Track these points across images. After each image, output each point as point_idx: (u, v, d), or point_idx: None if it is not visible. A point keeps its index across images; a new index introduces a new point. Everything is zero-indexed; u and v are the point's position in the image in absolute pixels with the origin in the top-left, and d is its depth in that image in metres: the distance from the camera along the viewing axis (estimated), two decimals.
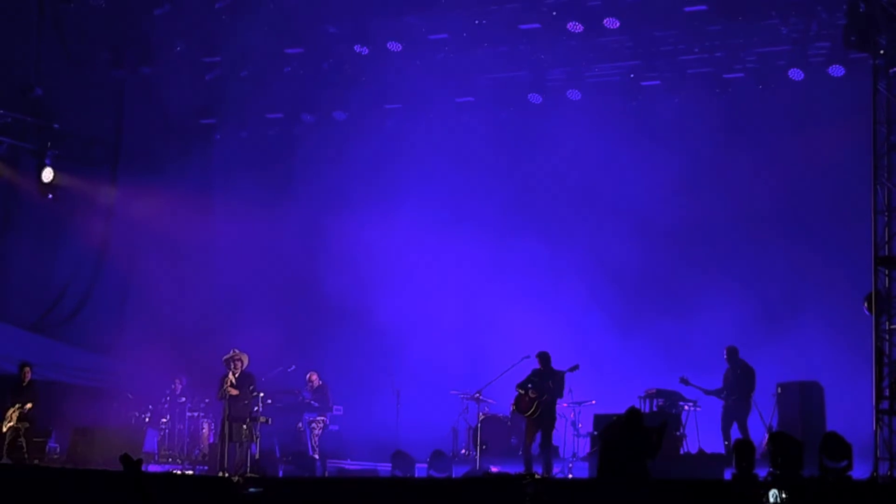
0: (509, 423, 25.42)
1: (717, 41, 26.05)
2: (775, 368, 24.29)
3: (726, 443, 23.41)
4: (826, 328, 24.85)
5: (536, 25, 26.11)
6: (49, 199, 28.34)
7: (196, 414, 27.20)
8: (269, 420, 23.75)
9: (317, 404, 26.03)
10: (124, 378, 28.22)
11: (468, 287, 28.76)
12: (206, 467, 24.51)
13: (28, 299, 29.56)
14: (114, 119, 30.43)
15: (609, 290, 27.42)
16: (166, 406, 27.36)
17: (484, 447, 24.23)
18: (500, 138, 28.90)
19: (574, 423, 24.56)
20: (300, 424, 25.85)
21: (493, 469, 22.47)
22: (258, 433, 23.19)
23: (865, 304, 19.98)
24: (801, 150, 26.21)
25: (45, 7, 27.63)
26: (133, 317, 29.87)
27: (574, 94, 27.55)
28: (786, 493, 14.33)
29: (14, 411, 24.30)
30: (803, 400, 23.40)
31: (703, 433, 23.88)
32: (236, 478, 18.62)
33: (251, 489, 17.53)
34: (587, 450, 24.02)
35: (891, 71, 20.16)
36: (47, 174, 27.96)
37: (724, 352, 23.99)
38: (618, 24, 25.37)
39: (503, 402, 24.13)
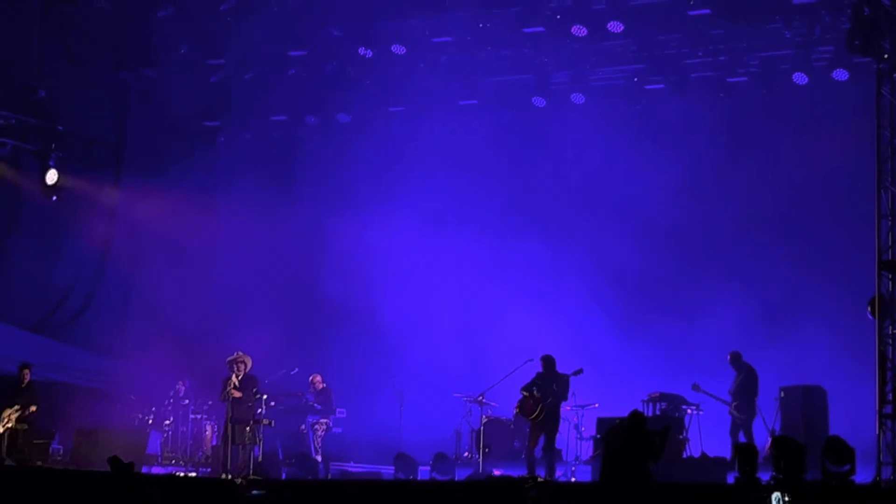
0: (512, 426, 25.42)
1: (721, 45, 26.05)
2: (778, 372, 24.27)
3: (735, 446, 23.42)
4: (829, 332, 24.85)
5: (540, 29, 26.08)
6: (52, 200, 28.34)
7: (199, 416, 27.21)
8: (273, 422, 23.75)
9: (320, 406, 26.03)
10: (127, 380, 28.25)
11: (471, 289, 28.77)
12: (209, 469, 24.53)
13: (31, 300, 29.55)
14: (117, 121, 30.43)
15: (613, 293, 27.44)
16: (169, 408, 27.38)
17: (487, 450, 24.23)
18: (504, 141, 28.92)
19: (577, 427, 24.57)
20: (303, 427, 25.85)
21: (496, 472, 22.48)
22: (261, 435, 23.19)
23: (869, 309, 19.99)
24: (805, 154, 26.21)
25: (48, 8, 27.66)
26: (136, 318, 29.86)
27: (578, 98, 27.56)
28: (788, 497, 14.32)
29: (12, 412, 24.24)
30: (806, 404, 23.37)
31: (706, 437, 23.87)
32: (239, 480, 18.62)
33: (254, 491, 17.53)
34: (590, 453, 24.03)
35: (895, 75, 20.17)
36: (51, 176, 27.96)
37: (728, 357, 23.98)
38: (622, 28, 25.36)
39: (506, 405, 24.16)
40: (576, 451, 24.58)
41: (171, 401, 27.43)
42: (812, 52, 25.32)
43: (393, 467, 22.20)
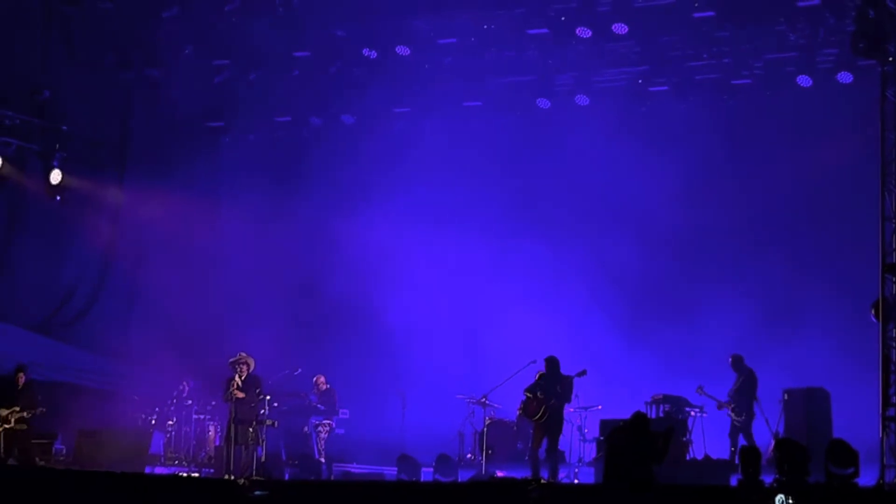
0: (515, 427, 25.43)
1: (725, 47, 26.02)
2: (781, 375, 24.25)
3: (732, 449, 23.41)
4: (833, 335, 24.82)
5: (545, 30, 26.09)
6: (56, 200, 28.34)
7: (202, 416, 27.21)
8: (276, 423, 23.75)
9: (323, 407, 26.04)
10: (131, 380, 28.25)
11: (475, 291, 28.77)
12: (212, 470, 24.53)
13: (35, 301, 29.56)
14: (121, 121, 30.44)
15: (617, 295, 27.43)
16: (172, 408, 27.36)
17: (490, 452, 24.23)
18: (508, 142, 28.91)
19: (580, 428, 24.57)
20: (306, 428, 25.86)
21: (499, 473, 22.48)
22: (264, 436, 23.20)
23: (873, 311, 19.98)
24: (809, 156, 26.18)
25: (52, 9, 27.66)
26: (140, 319, 29.86)
27: (582, 100, 27.54)
28: (792, 500, 14.32)
29: (9, 413, 24.18)
30: (809, 406, 23.36)
31: (709, 439, 23.88)
32: (242, 480, 18.63)
33: (257, 492, 17.55)
34: (593, 455, 24.03)
35: None
36: (55, 176, 27.96)
37: (730, 360, 23.99)
38: (626, 30, 25.36)
39: (509, 406, 24.17)
40: (579, 452, 24.57)
41: (175, 401, 27.41)
42: (816, 55, 25.31)
43: (396, 468, 22.21)
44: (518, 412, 23.16)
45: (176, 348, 27.40)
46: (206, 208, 30.41)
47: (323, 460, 25.14)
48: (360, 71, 28.29)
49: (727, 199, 27.36)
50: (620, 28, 25.32)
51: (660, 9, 25.26)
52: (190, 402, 27.32)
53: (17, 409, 24.27)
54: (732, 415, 23.62)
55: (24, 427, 24.29)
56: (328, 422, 25.97)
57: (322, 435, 25.87)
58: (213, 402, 26.13)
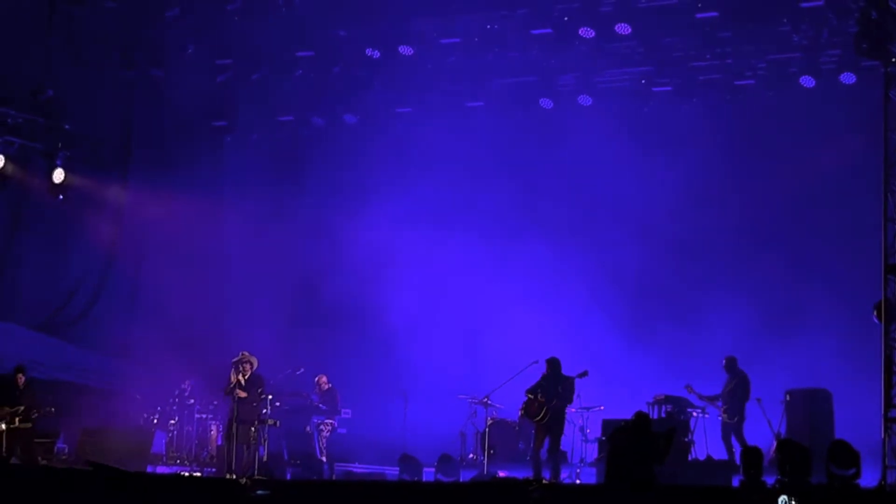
0: (517, 427, 25.42)
1: (729, 48, 26.01)
2: (783, 375, 24.28)
3: (730, 450, 23.43)
4: (835, 335, 24.82)
5: (548, 30, 26.09)
6: (59, 199, 28.34)
7: (204, 416, 27.21)
8: (278, 422, 23.77)
9: (325, 407, 26.04)
10: (133, 379, 28.25)
11: (477, 291, 28.76)
12: (214, 469, 24.54)
13: (37, 300, 29.56)
14: (124, 120, 30.43)
15: (619, 296, 27.43)
16: (175, 408, 27.37)
17: (492, 452, 24.23)
18: (511, 143, 28.92)
19: (582, 429, 24.56)
20: (308, 427, 25.86)
21: (501, 474, 22.49)
22: (266, 435, 23.22)
23: (875, 313, 19.97)
24: (811, 157, 26.18)
25: (56, 9, 27.64)
26: (142, 318, 29.85)
27: (585, 100, 27.55)
28: (795, 500, 14.32)
29: (12, 413, 24.20)
30: (811, 407, 23.39)
31: (711, 440, 23.87)
32: (244, 480, 18.64)
33: (259, 491, 17.55)
34: (595, 455, 24.02)
35: None
36: (58, 175, 27.94)
37: (723, 361, 24.03)
38: (629, 30, 25.37)
39: (511, 406, 24.15)
40: (581, 453, 24.56)
41: (177, 400, 27.42)
42: (819, 56, 25.31)
43: (397, 468, 22.23)
44: (520, 413, 23.15)
45: (178, 347, 27.41)
46: (208, 208, 30.40)
47: (325, 460, 25.15)
48: (363, 71, 28.30)
49: (729, 200, 27.36)
50: (623, 28, 25.33)
51: (663, 9, 25.25)
52: (192, 401, 27.32)
53: (21, 408, 24.32)
54: (724, 416, 23.67)
55: (29, 426, 24.34)
56: (330, 421, 25.98)
57: (324, 434, 25.88)
58: (216, 402, 26.15)
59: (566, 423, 22.81)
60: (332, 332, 29.57)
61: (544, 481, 18.25)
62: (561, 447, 22.83)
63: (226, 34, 28.02)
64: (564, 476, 22.84)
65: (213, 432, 26.85)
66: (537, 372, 22.94)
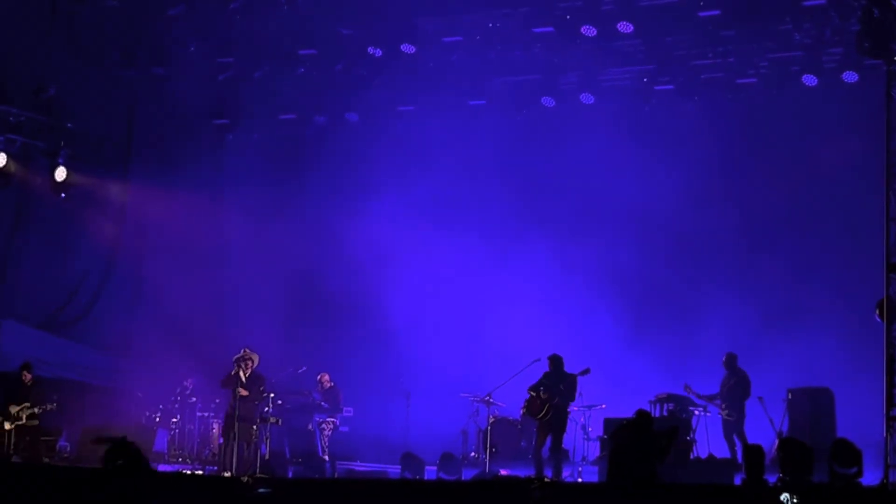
0: (519, 426, 25.43)
1: (731, 46, 25.99)
2: (786, 374, 24.29)
3: (732, 449, 23.44)
4: (837, 334, 24.83)
5: (550, 29, 26.05)
6: (61, 198, 28.36)
7: (206, 414, 27.25)
8: (280, 421, 23.79)
9: (327, 405, 26.07)
10: (135, 377, 28.28)
11: (479, 289, 28.77)
12: (215, 467, 24.55)
13: (39, 298, 29.58)
14: (126, 119, 30.45)
15: (621, 294, 27.43)
16: (176, 406, 27.41)
17: (494, 450, 24.24)
18: (513, 141, 28.89)
19: (584, 427, 24.56)
20: (310, 425, 25.88)
21: (503, 472, 22.49)
22: (268, 434, 23.24)
23: (877, 311, 19.97)
24: (813, 155, 26.17)
25: (58, 7, 27.65)
26: (144, 316, 29.89)
27: (587, 98, 27.54)
28: (797, 499, 14.31)
29: (19, 410, 24.31)
30: (813, 406, 23.40)
31: (713, 438, 23.88)
32: (246, 478, 18.63)
33: (260, 489, 17.53)
34: (597, 453, 24.02)
35: None
36: (60, 173, 27.97)
37: (724, 358, 24.05)
38: (631, 29, 25.35)
39: (513, 405, 24.15)
40: (583, 451, 24.57)
41: (179, 398, 27.46)
42: (822, 54, 25.29)
43: (399, 467, 22.21)
44: (522, 411, 23.15)
45: (180, 345, 27.45)
46: (209, 206, 30.44)
47: (327, 458, 25.17)
48: (365, 69, 28.27)
49: (732, 198, 27.36)
50: (626, 27, 25.31)
51: (665, 8, 25.22)
52: (194, 399, 27.36)
53: (28, 405, 24.39)
54: (724, 414, 23.69)
55: (36, 423, 24.44)
56: (332, 420, 26.01)
57: (326, 433, 25.90)
58: (218, 400, 26.17)
59: (568, 421, 22.82)
60: (334, 330, 29.59)
61: (546, 480, 18.22)
62: (563, 445, 22.84)
63: (227, 32, 27.99)
64: (566, 474, 22.84)
65: (215, 430, 26.90)
66: (539, 370, 22.95)
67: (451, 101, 28.53)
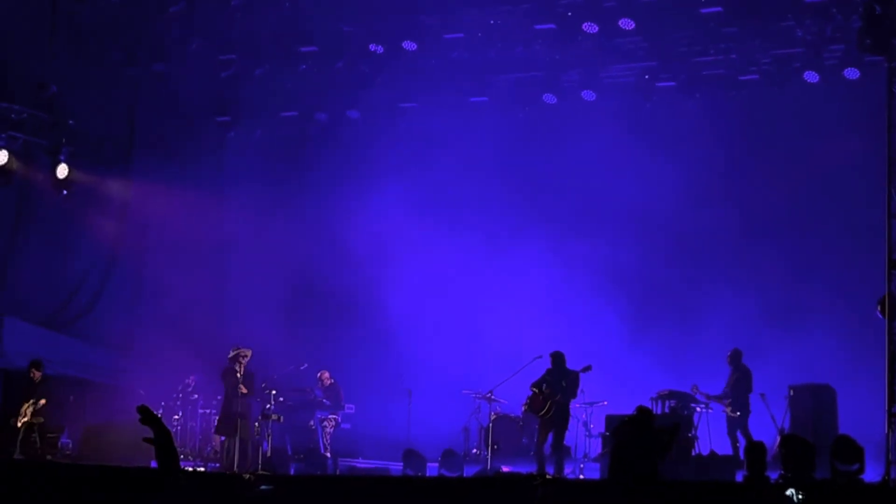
0: (521, 422, 25.44)
1: (732, 43, 25.96)
2: (787, 371, 24.29)
3: (735, 445, 23.45)
4: (839, 331, 24.83)
5: (551, 25, 26.05)
6: (63, 195, 28.37)
7: (208, 411, 27.26)
8: (281, 418, 23.80)
9: (328, 402, 26.09)
10: (136, 375, 28.30)
11: (480, 286, 28.77)
12: (217, 464, 24.58)
13: (41, 295, 29.58)
14: (128, 116, 30.46)
15: (622, 291, 27.42)
16: (178, 403, 27.42)
17: (495, 447, 24.25)
18: (515, 138, 28.88)
19: (586, 424, 24.58)
20: (312, 423, 25.90)
21: (505, 469, 22.50)
22: (270, 430, 23.28)
23: (879, 308, 19.98)
24: (815, 152, 26.16)
25: (59, 5, 27.66)
26: (146, 313, 29.92)
27: (589, 95, 27.53)
28: (802, 495, 14.32)
29: (28, 406, 24.48)
30: (815, 403, 23.39)
31: (714, 435, 23.88)
32: (247, 475, 18.64)
33: (262, 486, 17.54)
34: (599, 450, 24.03)
35: None
36: (61, 170, 27.98)
37: (728, 354, 24.07)
38: (633, 25, 25.33)
39: (515, 401, 24.17)
40: (584, 448, 24.59)
41: (180, 396, 27.47)
42: (823, 51, 25.28)
43: (401, 463, 22.24)
44: (524, 407, 23.16)
45: (181, 343, 27.46)
46: (211, 203, 30.44)
47: (328, 455, 25.18)
48: (367, 66, 28.26)
49: (733, 195, 27.35)
50: (627, 23, 25.30)
51: (666, 4, 25.21)
52: (195, 396, 27.37)
53: (33, 401, 24.52)
54: (728, 410, 23.70)
55: (42, 420, 24.52)
56: (334, 417, 26.02)
57: (327, 430, 25.92)
58: (219, 397, 26.18)
59: (570, 418, 22.83)
60: (336, 327, 29.59)
61: (548, 476, 18.25)
62: (565, 442, 22.85)
63: (229, 30, 27.97)
64: (568, 471, 22.85)
65: None
66: (541, 367, 22.97)
67: (452, 98, 28.51)
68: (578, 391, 22.82)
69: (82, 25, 28.34)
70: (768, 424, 23.27)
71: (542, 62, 27.54)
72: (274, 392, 24.02)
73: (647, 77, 27.14)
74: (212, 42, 28.38)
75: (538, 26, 26.28)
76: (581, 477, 23.10)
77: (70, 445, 25.89)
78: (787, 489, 14.28)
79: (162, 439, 9.33)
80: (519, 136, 28.92)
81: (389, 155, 29.40)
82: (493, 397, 24.77)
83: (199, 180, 30.52)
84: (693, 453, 23.05)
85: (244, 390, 23.09)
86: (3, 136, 27.31)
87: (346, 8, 26.90)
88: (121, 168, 30.29)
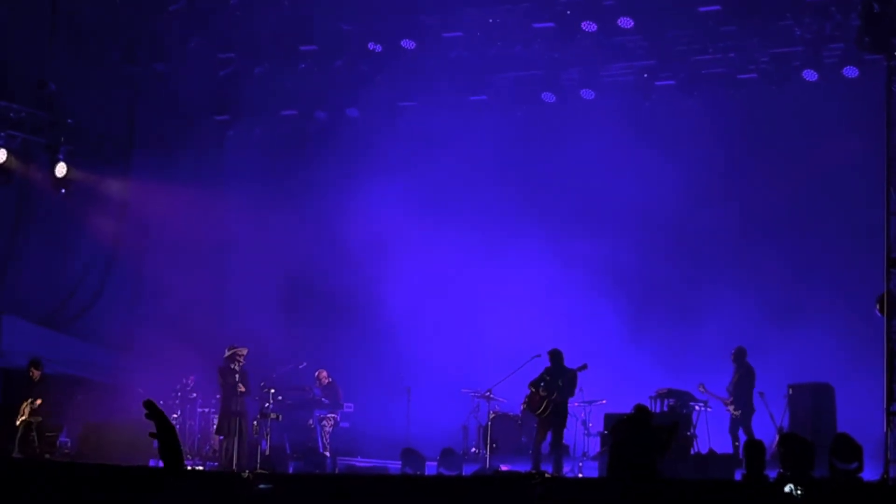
0: (520, 421, 25.43)
1: (731, 42, 25.97)
2: (786, 370, 24.29)
3: (735, 444, 23.45)
4: (838, 329, 24.82)
5: (550, 24, 26.06)
6: (62, 193, 28.36)
7: (207, 410, 27.25)
8: (280, 417, 23.80)
9: (327, 401, 26.08)
10: (135, 373, 28.27)
11: (479, 285, 28.76)
12: (216, 463, 24.59)
13: (40, 294, 29.57)
14: (127, 115, 30.45)
15: (621, 289, 27.42)
16: (177, 402, 27.40)
17: (494, 445, 24.26)
18: (514, 137, 28.88)
19: (584, 423, 24.58)
20: (311, 421, 25.89)
21: (503, 468, 22.49)
22: (269, 429, 23.27)
23: (878, 306, 19.97)
24: (814, 150, 26.18)
25: (59, 3, 27.65)
26: (145, 312, 29.91)
27: (588, 94, 27.53)
28: (801, 489, 14.31)
29: (26, 405, 24.49)
30: (814, 401, 23.40)
31: (713, 433, 23.89)
32: (246, 474, 18.62)
33: (261, 485, 17.53)
34: (597, 449, 24.04)
35: None
36: (60, 169, 27.97)
37: (732, 352, 24.07)
38: (632, 24, 25.35)
39: (514, 400, 24.18)
40: (583, 446, 24.59)
41: (179, 394, 27.45)
42: (822, 49, 25.28)
43: (400, 462, 22.23)
44: (522, 406, 23.16)
45: (180, 342, 27.44)
46: (210, 202, 30.41)
47: (327, 454, 25.19)
48: (366, 65, 28.26)
49: (732, 193, 27.36)
50: (626, 22, 25.32)
51: (665, 3, 25.24)
52: (194, 395, 27.36)
53: (31, 399, 24.54)
54: (730, 408, 23.71)
55: (40, 419, 24.53)
56: (332, 415, 26.02)
57: (326, 429, 25.92)
58: (218, 396, 26.19)
59: (569, 416, 22.82)
60: (335, 326, 29.59)
61: (547, 475, 18.23)
62: (563, 441, 22.84)
63: (228, 28, 28.00)
64: (567, 470, 22.85)
65: (215, 426, 26.91)
66: (540, 365, 22.96)
67: (451, 97, 28.51)
68: (576, 390, 22.81)
69: (82, 24, 28.34)
70: (767, 423, 23.28)
71: (541, 61, 27.55)
72: (273, 391, 24.01)
73: (646, 76, 27.15)
74: (211, 41, 28.40)
75: (537, 25, 26.29)
76: (580, 475, 23.09)
77: (69, 444, 25.89)
78: (785, 485, 14.28)
79: (165, 435, 9.31)
80: (518, 134, 28.92)
81: (389, 154, 29.38)
82: (492, 396, 24.77)
83: (198, 179, 30.52)
84: (692, 452, 23.06)
85: (242, 389, 23.08)
86: (2, 134, 27.31)
87: (346, 7, 26.93)
88: (120, 166, 30.28)
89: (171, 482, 10.00)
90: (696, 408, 23.91)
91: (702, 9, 25.08)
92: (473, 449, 25.64)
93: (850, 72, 24.93)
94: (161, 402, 26.68)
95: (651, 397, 23.84)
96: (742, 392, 23.72)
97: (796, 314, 25.81)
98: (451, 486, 17.80)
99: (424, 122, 29.17)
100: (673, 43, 26.45)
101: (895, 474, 18.56)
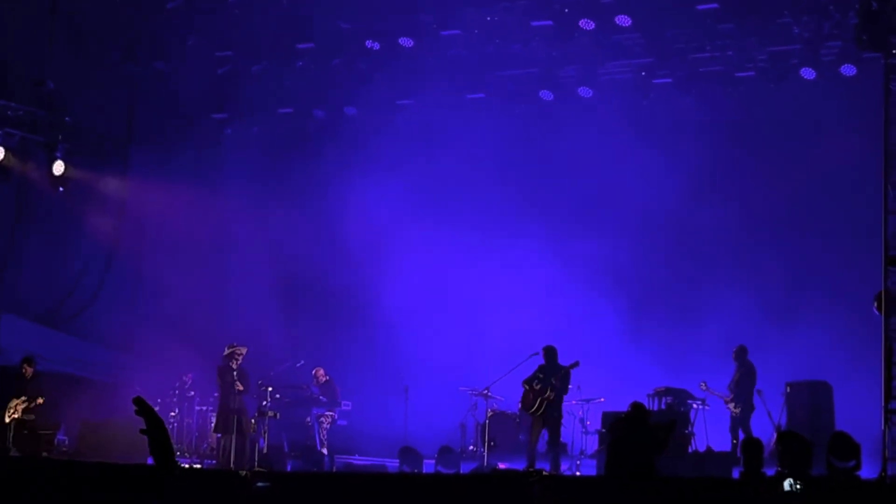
0: (518, 419, 25.45)
1: (729, 40, 25.96)
2: (784, 368, 24.28)
3: (734, 442, 23.46)
4: (836, 327, 24.80)
5: (548, 22, 26.05)
6: (60, 192, 28.36)
7: (205, 408, 27.26)
8: (278, 415, 23.80)
9: (325, 399, 26.08)
10: (133, 372, 28.29)
11: (478, 283, 28.75)
12: (214, 461, 24.60)
13: (39, 292, 29.60)
14: (125, 113, 30.47)
15: (620, 287, 27.40)
16: (175, 400, 27.42)
17: (492, 444, 24.27)
18: (512, 135, 28.86)
19: (582, 421, 24.58)
20: (309, 419, 25.89)
21: (501, 466, 22.49)
22: (266, 427, 23.28)
23: (875, 304, 19.97)
24: (812, 148, 26.17)
25: (58, 1, 27.64)
26: (143, 310, 29.93)
27: (585, 92, 27.53)
28: (800, 485, 14.32)
29: (19, 403, 24.41)
30: (812, 399, 23.41)
31: (711, 431, 23.90)
32: (244, 472, 18.63)
33: (259, 483, 17.53)
34: (595, 447, 24.04)
35: None
36: (58, 167, 27.96)
37: (734, 350, 24.07)
38: (630, 22, 25.35)
39: (512, 398, 24.18)
40: (581, 445, 24.59)
41: (177, 393, 27.47)
42: (820, 47, 25.25)
43: (398, 460, 22.23)
44: (520, 404, 23.17)
45: (179, 340, 27.44)
46: (209, 200, 30.43)
47: (325, 452, 25.18)
48: (364, 63, 28.24)
49: (730, 192, 27.35)
50: (624, 20, 25.31)
51: (663, 1, 25.24)
52: (192, 393, 27.38)
53: (25, 398, 24.50)
54: (731, 406, 23.71)
55: (32, 418, 24.50)
56: (330, 413, 26.02)
57: (324, 426, 25.93)
58: (216, 394, 26.20)
59: (566, 414, 22.82)
60: (333, 324, 29.60)
61: (545, 473, 18.23)
62: (561, 439, 22.84)
63: (226, 27, 27.99)
64: (565, 468, 22.85)
65: (213, 425, 26.92)
66: (537, 363, 22.96)
67: (449, 95, 28.47)
68: (574, 387, 22.81)
69: (80, 22, 28.35)
70: (765, 421, 23.28)
71: (539, 59, 27.54)
72: (270, 389, 24.01)
73: (643, 74, 27.12)
74: (210, 39, 28.39)
75: (535, 23, 26.27)
76: (577, 473, 23.10)
77: (66, 442, 25.89)
78: (788, 479, 14.28)
79: (155, 432, 9.28)
80: (516, 132, 28.89)
81: (387, 152, 29.35)
82: (489, 394, 24.78)
83: (197, 177, 30.55)
84: (690, 450, 23.05)
85: (240, 387, 23.09)
86: (1, 132, 27.30)
87: (344, 5, 26.93)
88: (119, 165, 30.30)
89: (163, 477, 9.98)
90: (694, 406, 23.91)
91: (700, 7, 25.07)
92: (471, 447, 25.65)
93: (848, 70, 24.90)
94: (159, 401, 26.80)
95: (649, 395, 23.84)
96: (743, 390, 23.72)
97: (794, 312, 25.80)
98: (449, 484, 17.80)
99: (423, 121, 29.17)
100: (671, 41, 26.43)
101: (893, 472, 18.54)
